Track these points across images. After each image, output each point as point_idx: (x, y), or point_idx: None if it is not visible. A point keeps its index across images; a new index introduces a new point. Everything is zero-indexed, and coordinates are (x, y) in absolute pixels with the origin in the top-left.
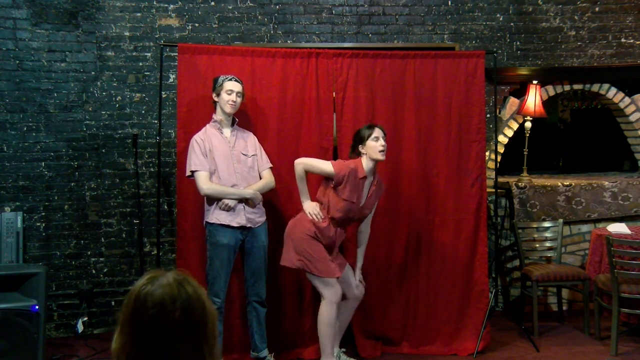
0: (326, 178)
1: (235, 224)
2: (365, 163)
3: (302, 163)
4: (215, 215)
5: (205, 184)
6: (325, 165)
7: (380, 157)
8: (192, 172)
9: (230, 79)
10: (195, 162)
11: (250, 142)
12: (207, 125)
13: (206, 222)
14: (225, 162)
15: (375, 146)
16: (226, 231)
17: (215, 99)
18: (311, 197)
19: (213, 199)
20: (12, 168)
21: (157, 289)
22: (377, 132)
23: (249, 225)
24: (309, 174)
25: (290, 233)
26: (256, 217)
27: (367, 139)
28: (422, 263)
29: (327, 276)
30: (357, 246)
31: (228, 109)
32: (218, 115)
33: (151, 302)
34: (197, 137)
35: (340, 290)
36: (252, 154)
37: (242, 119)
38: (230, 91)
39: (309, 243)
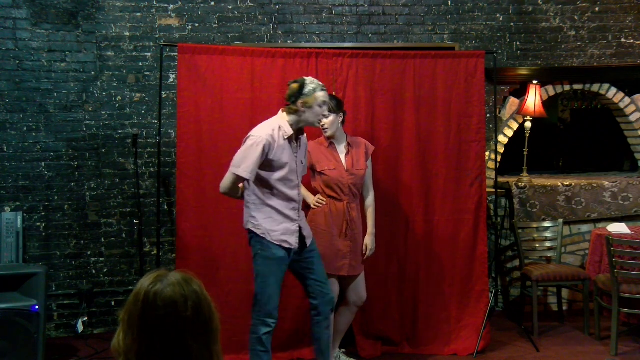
0: (310, 169)
1: (286, 245)
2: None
3: None
4: (266, 229)
5: (228, 188)
6: None
7: (325, 134)
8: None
9: (323, 88)
10: (250, 168)
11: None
12: (276, 130)
13: (255, 233)
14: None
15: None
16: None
17: (300, 107)
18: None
19: (259, 206)
20: (12, 168)
21: (166, 288)
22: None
23: (307, 242)
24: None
25: None
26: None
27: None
28: (421, 263)
29: (329, 272)
30: (366, 210)
31: (317, 124)
32: (292, 125)
33: (162, 301)
34: (268, 137)
35: (337, 290)
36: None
37: (242, 119)
38: (323, 103)
39: (317, 238)
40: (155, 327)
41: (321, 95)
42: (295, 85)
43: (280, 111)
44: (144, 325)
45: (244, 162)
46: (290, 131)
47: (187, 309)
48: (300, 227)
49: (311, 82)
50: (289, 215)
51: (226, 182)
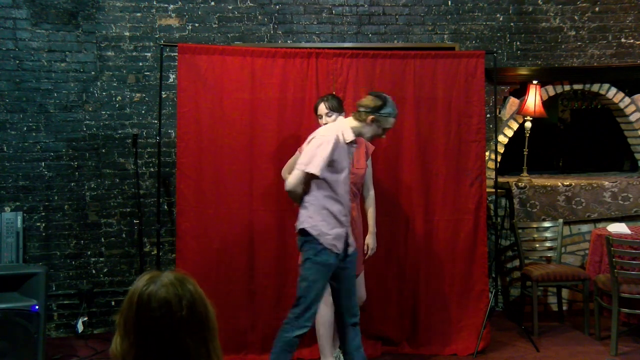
0: None
1: (335, 250)
2: None
3: (283, 169)
4: (321, 231)
5: (296, 185)
6: (295, 154)
7: None
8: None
9: (395, 117)
10: (321, 165)
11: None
12: (339, 133)
13: (310, 234)
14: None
15: (320, 124)
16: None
17: (368, 120)
18: None
19: (318, 207)
20: (12, 168)
21: (160, 289)
22: (319, 109)
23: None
24: None
25: None
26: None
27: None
28: (421, 263)
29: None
30: (366, 209)
31: (368, 140)
32: (354, 132)
33: (156, 302)
34: (336, 138)
35: None
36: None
37: (242, 119)
38: (386, 130)
39: None
40: (150, 329)
41: (391, 122)
42: (376, 101)
43: (340, 118)
44: (140, 327)
45: (314, 159)
46: (351, 137)
47: (182, 309)
48: (347, 234)
49: (391, 106)
50: (341, 221)
51: (293, 179)
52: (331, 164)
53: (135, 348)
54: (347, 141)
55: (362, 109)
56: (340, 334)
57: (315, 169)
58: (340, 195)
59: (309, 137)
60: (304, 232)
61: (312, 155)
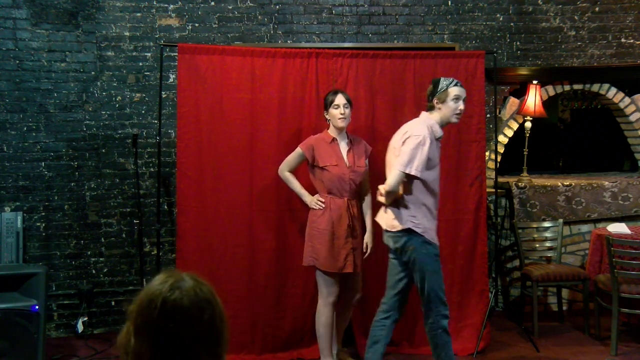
0: (308, 164)
1: (436, 242)
2: (332, 128)
3: (281, 167)
4: (425, 227)
5: (396, 186)
6: (295, 151)
7: (339, 124)
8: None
9: (457, 84)
10: (421, 167)
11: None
12: (429, 130)
13: (415, 232)
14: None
15: (335, 114)
16: None
17: (435, 104)
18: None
19: (417, 205)
20: (12, 168)
21: (183, 298)
22: (338, 99)
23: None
24: (297, 174)
25: (307, 232)
26: None
27: (329, 107)
28: None
29: (332, 270)
30: (364, 208)
31: (455, 119)
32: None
33: (179, 310)
34: (430, 136)
35: (337, 291)
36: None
37: (242, 119)
38: (457, 97)
39: (318, 238)
40: (169, 336)
41: (455, 90)
42: (430, 85)
43: (423, 113)
44: (159, 332)
45: (414, 161)
46: (440, 132)
47: (203, 321)
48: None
49: (445, 80)
50: (434, 215)
51: (394, 180)
52: (426, 162)
53: (150, 352)
54: (437, 137)
55: (428, 100)
56: (376, 327)
57: (416, 171)
58: (432, 191)
59: (402, 133)
60: (408, 231)
61: (411, 156)
